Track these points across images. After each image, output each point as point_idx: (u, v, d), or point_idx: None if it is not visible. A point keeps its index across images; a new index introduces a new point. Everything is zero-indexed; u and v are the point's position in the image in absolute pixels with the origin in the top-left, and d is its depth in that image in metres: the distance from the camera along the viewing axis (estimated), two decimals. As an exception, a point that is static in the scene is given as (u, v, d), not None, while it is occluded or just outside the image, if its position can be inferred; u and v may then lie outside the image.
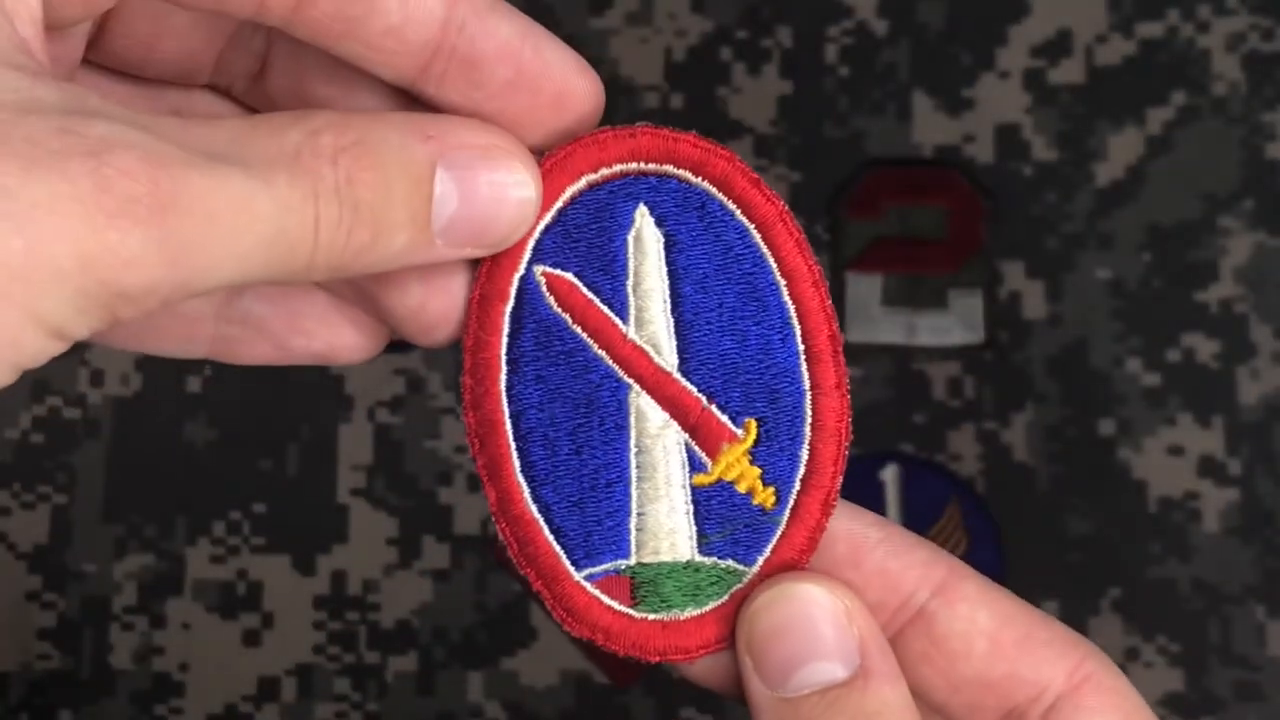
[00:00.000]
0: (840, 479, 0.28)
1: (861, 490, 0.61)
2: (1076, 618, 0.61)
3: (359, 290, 0.29)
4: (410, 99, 0.27)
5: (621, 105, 0.65)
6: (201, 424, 0.64)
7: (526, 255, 0.28)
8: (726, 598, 0.28)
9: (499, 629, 0.63)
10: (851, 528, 0.28)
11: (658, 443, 0.28)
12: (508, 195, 0.26)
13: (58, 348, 0.22)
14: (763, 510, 0.28)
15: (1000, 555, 0.61)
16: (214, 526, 0.64)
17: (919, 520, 0.61)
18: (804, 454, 0.28)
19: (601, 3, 0.67)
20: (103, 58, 0.28)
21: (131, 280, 0.21)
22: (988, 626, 0.27)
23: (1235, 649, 0.60)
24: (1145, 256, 0.63)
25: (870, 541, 0.27)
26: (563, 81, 0.27)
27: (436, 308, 0.28)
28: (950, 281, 0.63)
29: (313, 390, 0.65)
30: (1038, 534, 0.62)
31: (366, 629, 0.63)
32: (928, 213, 0.64)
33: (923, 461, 0.62)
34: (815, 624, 0.26)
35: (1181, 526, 0.61)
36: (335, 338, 0.30)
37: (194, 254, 0.22)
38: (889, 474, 0.62)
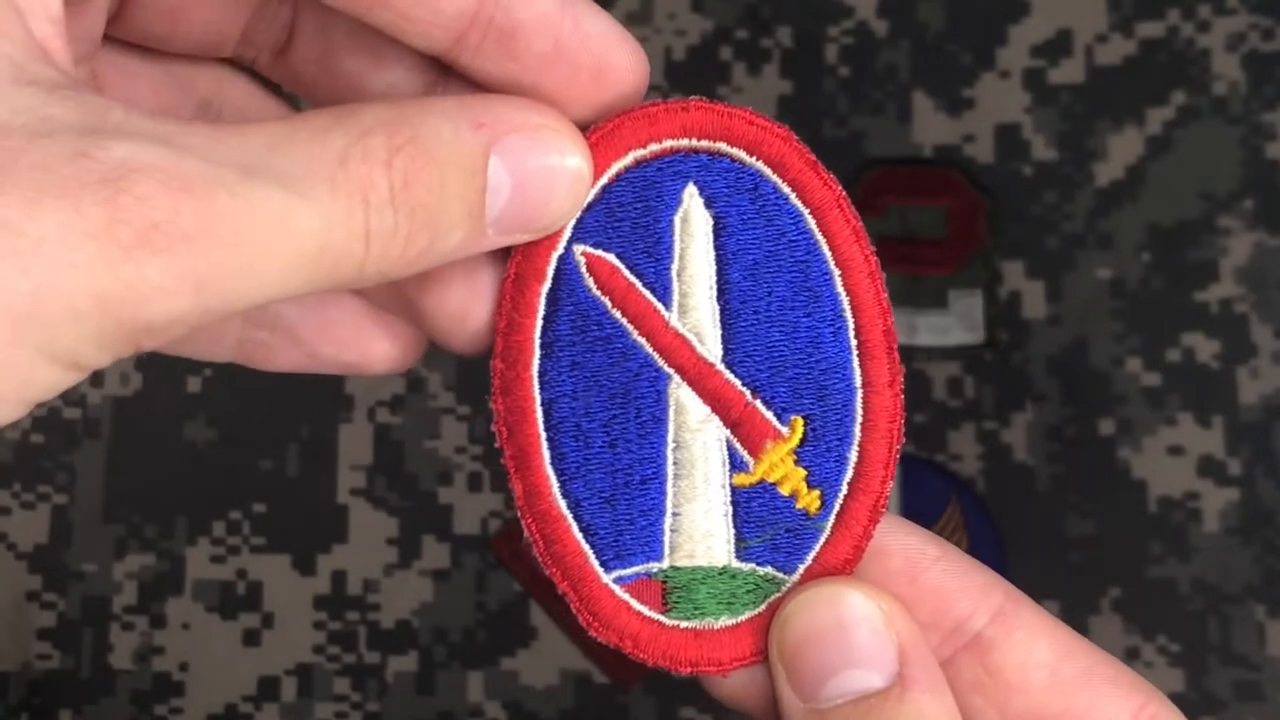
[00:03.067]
0: (890, 483, 0.26)
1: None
2: (1076, 618, 0.61)
3: (397, 296, 0.28)
4: (442, 68, 0.26)
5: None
6: (201, 424, 0.64)
7: (567, 234, 0.26)
8: (764, 607, 0.26)
9: (499, 629, 0.63)
10: (908, 543, 0.26)
11: (697, 438, 0.26)
12: (560, 178, 0.25)
13: (76, 378, 0.21)
14: (806, 514, 0.26)
15: (1000, 555, 0.61)
16: (214, 526, 0.64)
17: (919, 520, 0.61)
18: (853, 456, 0.26)
19: (601, 3, 0.67)
20: (126, 32, 0.26)
21: (154, 313, 0.20)
22: (1047, 659, 0.25)
23: (1235, 649, 0.60)
24: (1145, 256, 0.63)
25: (927, 558, 0.26)
26: (603, 55, 0.26)
27: (480, 313, 0.27)
28: (950, 281, 0.63)
29: (313, 390, 0.65)
30: (1038, 534, 0.62)
31: (366, 629, 0.63)
32: (928, 212, 0.63)
33: (923, 461, 0.62)
34: (850, 629, 0.25)
35: (1182, 526, 0.61)
36: (369, 347, 0.29)
37: (224, 278, 0.20)
38: (889, 474, 0.62)
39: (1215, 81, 0.64)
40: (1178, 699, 0.61)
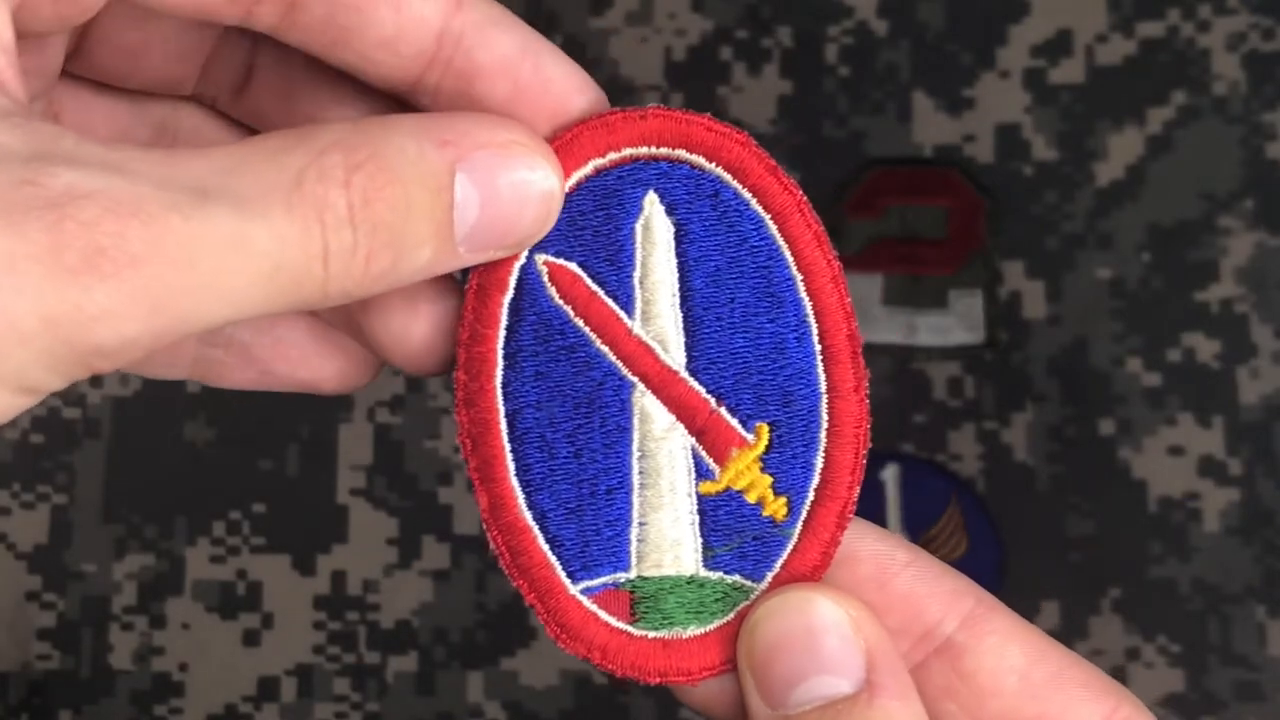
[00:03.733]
0: (858, 489, 0.26)
1: (861, 490, 0.60)
2: (1077, 618, 0.61)
3: (346, 316, 0.28)
4: (402, 105, 0.26)
5: (622, 105, 0.65)
6: (201, 424, 0.64)
7: None
8: (732, 615, 0.26)
9: (499, 629, 0.63)
10: (878, 548, 0.26)
11: (662, 447, 0.26)
12: (531, 193, 0.25)
13: (29, 402, 0.21)
14: (773, 522, 0.26)
15: (1000, 555, 0.61)
16: (214, 526, 0.64)
17: (919, 520, 0.61)
18: (819, 462, 0.26)
19: (601, 3, 0.67)
20: (84, 69, 0.27)
21: (104, 336, 0.20)
22: (1019, 663, 0.25)
23: (1235, 649, 0.60)
24: (1145, 256, 0.63)
25: (897, 564, 0.26)
26: (562, 99, 0.26)
27: (420, 334, 0.27)
28: (950, 281, 0.63)
29: (313, 390, 0.65)
30: (1038, 534, 0.62)
31: (366, 629, 0.63)
32: (928, 212, 0.63)
33: (923, 461, 0.62)
34: (818, 635, 0.25)
35: (1182, 526, 0.61)
36: (321, 365, 0.28)
37: (177, 300, 0.20)
38: (889, 474, 0.62)
39: (1215, 81, 0.64)
40: (1178, 699, 0.61)
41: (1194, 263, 0.63)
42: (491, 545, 0.26)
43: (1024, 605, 0.60)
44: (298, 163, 0.22)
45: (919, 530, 0.61)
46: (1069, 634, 0.61)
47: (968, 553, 0.61)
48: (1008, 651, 0.25)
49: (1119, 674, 0.60)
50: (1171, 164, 0.64)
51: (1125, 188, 0.64)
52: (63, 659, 0.63)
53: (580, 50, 0.66)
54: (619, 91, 0.66)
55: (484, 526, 0.26)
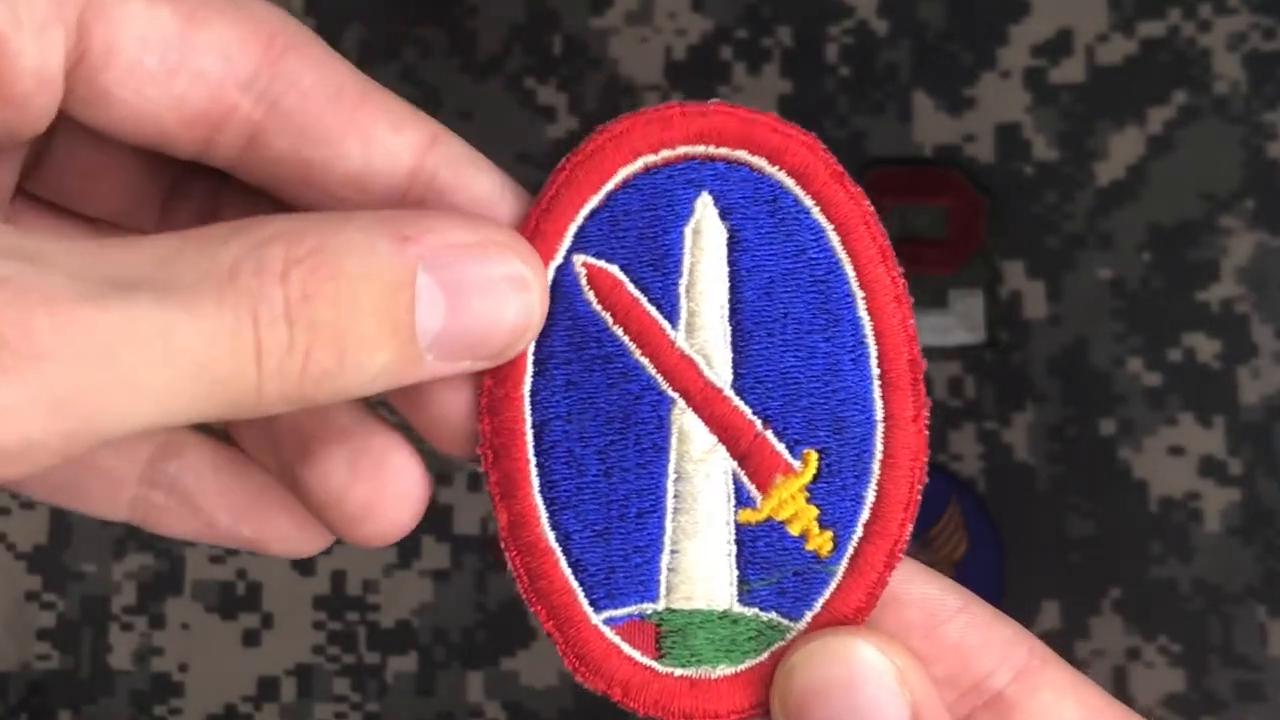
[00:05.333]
0: (910, 527, 0.24)
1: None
2: (1077, 618, 0.61)
3: (284, 467, 0.25)
4: None
5: (622, 105, 0.65)
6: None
7: (566, 242, 0.24)
8: (765, 656, 0.24)
9: (499, 629, 0.63)
10: (927, 592, 0.24)
11: (701, 469, 0.24)
12: (505, 297, 0.23)
13: None
14: (817, 557, 0.24)
15: (1000, 555, 0.61)
16: (213, 526, 0.64)
17: (919, 520, 0.61)
18: (870, 495, 0.24)
19: (601, 2, 0.67)
20: (41, 189, 0.26)
21: (3, 435, 0.18)
22: None
23: (1236, 649, 0.60)
24: (1146, 256, 0.63)
25: (947, 610, 0.24)
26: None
27: (359, 496, 0.24)
28: (950, 281, 0.63)
29: (312, 390, 0.64)
30: (1038, 534, 0.61)
31: (366, 629, 0.63)
32: (928, 212, 0.63)
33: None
34: (859, 686, 0.23)
35: (1182, 526, 0.61)
36: (266, 523, 0.26)
37: (87, 399, 0.19)
38: (889, 474, 0.62)
39: (1216, 81, 0.64)
40: (1178, 699, 0.61)
41: (1195, 263, 0.63)
42: (509, 566, 0.25)
43: (1024, 605, 0.60)
44: (234, 253, 0.20)
45: (919, 530, 0.61)
46: (1069, 634, 0.61)
47: (968, 553, 0.61)
48: (1062, 709, 0.24)
49: (1119, 674, 0.60)
50: (1172, 164, 0.64)
51: (1126, 187, 0.64)
52: (62, 659, 0.63)
53: (580, 50, 0.65)
54: (619, 91, 0.66)
55: (502, 546, 0.25)
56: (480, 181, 0.24)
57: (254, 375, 0.20)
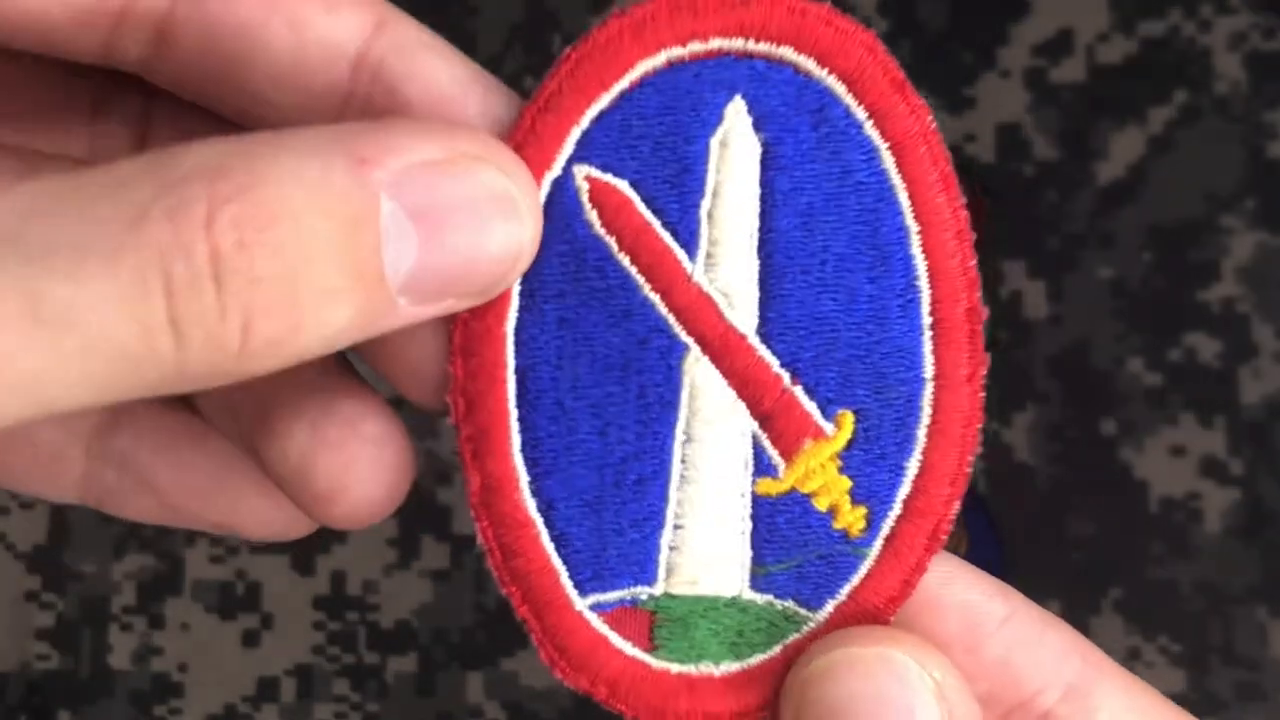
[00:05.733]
0: (956, 506, 0.21)
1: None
2: (1078, 618, 0.61)
3: (245, 435, 0.22)
4: None
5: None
6: (201, 424, 0.64)
7: (567, 149, 0.20)
8: (777, 651, 0.21)
9: (498, 629, 0.63)
10: (969, 599, 0.21)
11: (715, 431, 0.20)
12: (488, 222, 0.18)
13: None
14: (846, 537, 0.21)
15: (1000, 555, 0.61)
16: (213, 526, 0.63)
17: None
18: (912, 466, 0.21)
19: (602, 2, 0.66)
20: None
21: None
22: None
23: (1237, 649, 0.60)
24: (1146, 256, 0.63)
25: (992, 620, 0.20)
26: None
27: (326, 471, 0.21)
28: (951, 281, 0.63)
29: (312, 390, 0.64)
30: (1039, 534, 0.61)
31: (366, 629, 0.63)
32: (929, 212, 0.63)
33: (923, 461, 0.62)
34: (890, 705, 0.19)
35: (1183, 527, 0.61)
36: (235, 504, 0.22)
37: None
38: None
39: (1217, 81, 0.64)
40: (1179, 699, 0.61)
41: (1195, 262, 0.63)
42: (480, 538, 0.21)
43: (1025, 605, 0.60)
44: (138, 196, 0.16)
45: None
46: (1070, 634, 0.60)
47: (968, 552, 0.61)
48: None
49: (1120, 674, 0.60)
50: (1173, 163, 0.63)
51: (1126, 187, 0.64)
52: (62, 659, 0.63)
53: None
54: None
55: (473, 515, 0.21)
56: (440, 72, 0.20)
57: (172, 351, 0.16)
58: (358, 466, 0.21)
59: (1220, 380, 0.62)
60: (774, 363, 0.20)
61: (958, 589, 0.21)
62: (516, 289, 0.20)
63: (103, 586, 0.63)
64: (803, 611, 0.21)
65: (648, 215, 0.20)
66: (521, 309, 0.20)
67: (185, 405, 0.23)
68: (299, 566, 0.63)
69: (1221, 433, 0.61)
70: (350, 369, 0.22)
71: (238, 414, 0.22)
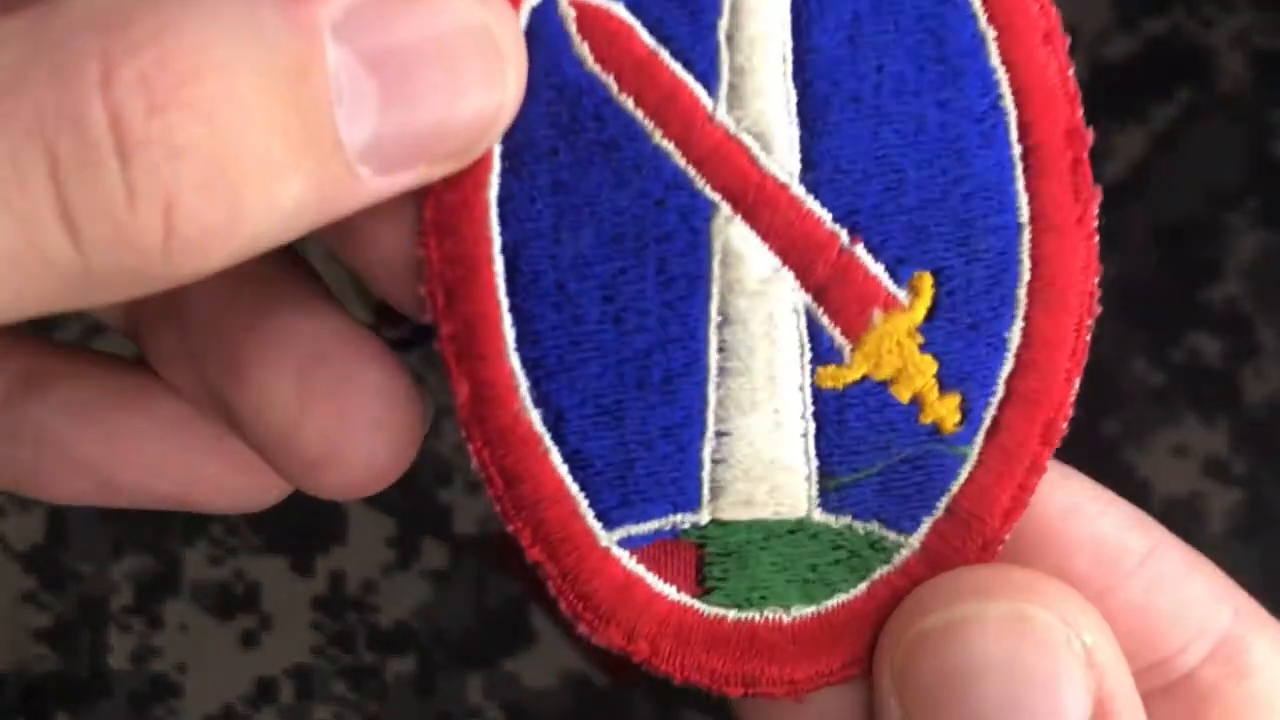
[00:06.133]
0: (1076, 384, 0.17)
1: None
2: (1080, 619, 0.60)
3: (209, 390, 0.18)
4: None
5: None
6: (199, 424, 0.64)
7: None
8: (863, 589, 0.17)
9: (499, 630, 0.62)
10: (1100, 530, 0.17)
11: (758, 307, 0.16)
12: (462, 66, 0.15)
13: None
14: (937, 433, 0.17)
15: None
16: (211, 527, 0.63)
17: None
18: (1014, 337, 0.17)
19: (602, 0, 0.66)
20: None
21: None
22: None
23: (1240, 650, 0.60)
24: (1149, 255, 0.63)
25: (1131, 558, 0.17)
26: None
27: (315, 431, 0.17)
28: (953, 280, 0.63)
29: (311, 390, 0.64)
30: (1041, 534, 0.61)
31: (365, 630, 0.63)
32: (930, 211, 0.63)
33: (925, 461, 0.62)
34: (1027, 677, 0.15)
35: (1185, 527, 0.61)
36: (191, 475, 0.19)
37: None
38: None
39: (1221, 79, 0.64)
40: (1182, 701, 0.61)
41: (1198, 261, 0.63)
42: (474, 462, 0.17)
43: (1027, 606, 0.60)
44: (15, 57, 0.13)
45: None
46: (1072, 635, 0.60)
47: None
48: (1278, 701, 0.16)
49: (1123, 675, 0.60)
50: (1176, 162, 0.63)
51: (1129, 186, 0.63)
52: (59, 660, 0.62)
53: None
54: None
55: (463, 432, 0.17)
56: None
57: (69, 253, 0.13)
58: (356, 423, 0.17)
59: (1223, 380, 0.62)
60: (826, 217, 0.16)
61: (1086, 516, 0.17)
62: (497, 149, 0.16)
63: (101, 587, 0.63)
64: (891, 535, 0.17)
65: (652, 43, 0.16)
66: (505, 173, 0.16)
67: (128, 365, 0.20)
68: (298, 567, 0.63)
69: (1224, 432, 0.61)
70: (339, 306, 0.18)
71: (200, 361, 0.18)
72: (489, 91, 0.15)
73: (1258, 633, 0.17)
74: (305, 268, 0.18)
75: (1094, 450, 0.62)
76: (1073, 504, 0.17)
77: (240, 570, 0.63)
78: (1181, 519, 0.61)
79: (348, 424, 0.17)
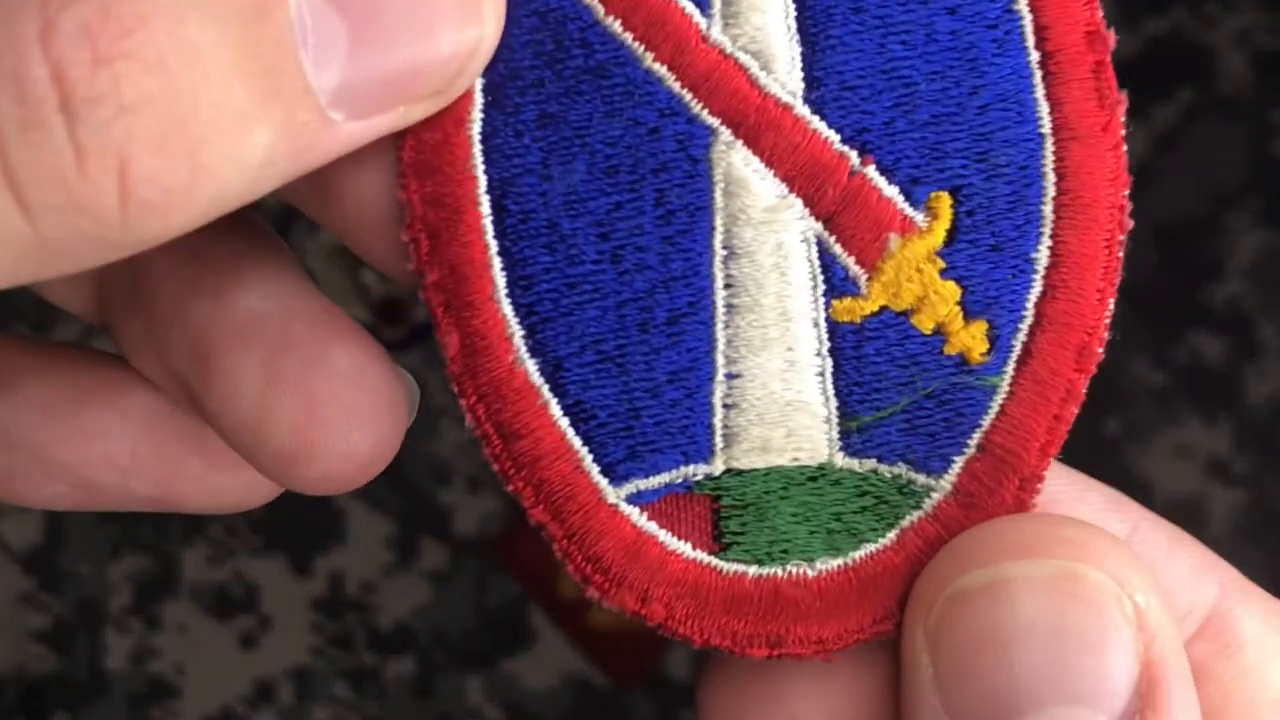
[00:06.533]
0: (1110, 305, 0.16)
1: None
2: (1082, 620, 0.60)
3: (179, 379, 0.17)
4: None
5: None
6: (198, 424, 0.64)
7: None
8: (892, 538, 0.15)
9: (498, 631, 0.62)
10: (1076, 514, 0.16)
11: (765, 237, 0.15)
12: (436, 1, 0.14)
13: None
14: (964, 364, 0.15)
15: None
16: (210, 527, 0.63)
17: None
18: (1041, 256, 0.16)
19: None
20: None
21: None
22: None
23: (1242, 651, 0.60)
24: (1151, 255, 0.63)
25: (1126, 524, 0.16)
26: None
27: (286, 419, 0.16)
28: (954, 280, 0.62)
29: (310, 390, 0.64)
30: (1042, 535, 0.61)
31: (364, 631, 0.62)
32: (931, 210, 0.63)
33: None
34: (1074, 639, 0.14)
35: (1188, 528, 0.61)
36: (171, 475, 0.18)
37: None
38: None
39: (1222, 78, 0.64)
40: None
41: (1200, 261, 0.62)
42: (468, 419, 0.16)
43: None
44: None
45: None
46: (1074, 636, 0.60)
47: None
48: (1272, 675, 0.16)
49: (1124, 676, 0.60)
50: (1177, 162, 0.63)
51: (1131, 185, 0.63)
52: (58, 661, 0.62)
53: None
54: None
55: (454, 386, 0.16)
56: None
57: (18, 222, 0.12)
58: (328, 412, 0.16)
59: (1225, 379, 0.62)
60: (834, 138, 0.15)
61: (1063, 505, 0.16)
62: (478, 83, 0.15)
63: (99, 588, 0.63)
64: (920, 478, 0.15)
65: None
66: (488, 108, 0.15)
67: (101, 359, 0.19)
68: (297, 568, 0.63)
69: (1227, 433, 0.61)
70: (308, 281, 0.17)
71: (166, 351, 0.17)
72: (465, 25, 0.14)
73: (1244, 605, 0.17)
74: (271, 239, 0.17)
75: (1095, 451, 0.62)
76: (1049, 496, 0.17)
77: (239, 571, 0.63)
78: (1184, 520, 0.61)
79: (318, 413, 0.16)
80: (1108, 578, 0.14)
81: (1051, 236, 0.16)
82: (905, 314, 0.15)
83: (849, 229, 0.15)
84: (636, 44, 0.15)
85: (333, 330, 0.16)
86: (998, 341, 0.15)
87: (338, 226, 0.16)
